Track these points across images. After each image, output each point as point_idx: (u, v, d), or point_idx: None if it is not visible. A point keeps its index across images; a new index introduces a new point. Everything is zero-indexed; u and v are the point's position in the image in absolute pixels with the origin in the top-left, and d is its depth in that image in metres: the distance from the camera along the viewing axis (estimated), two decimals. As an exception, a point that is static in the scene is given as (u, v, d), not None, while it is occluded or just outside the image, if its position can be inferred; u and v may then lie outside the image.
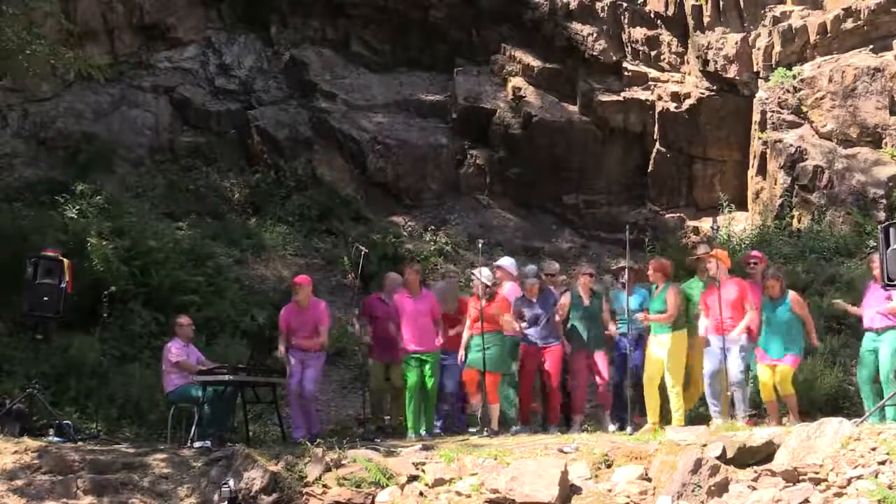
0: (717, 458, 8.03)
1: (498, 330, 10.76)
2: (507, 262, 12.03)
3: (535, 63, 18.28)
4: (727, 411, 10.19)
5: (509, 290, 11.40)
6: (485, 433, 10.38)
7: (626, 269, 10.90)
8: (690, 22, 17.25)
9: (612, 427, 10.70)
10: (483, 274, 11.00)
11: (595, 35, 17.92)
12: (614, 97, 17.73)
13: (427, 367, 10.95)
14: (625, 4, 17.85)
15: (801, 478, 7.67)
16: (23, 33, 12.90)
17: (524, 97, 18.08)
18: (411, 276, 11.34)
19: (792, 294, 10.32)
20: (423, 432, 10.78)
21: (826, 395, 11.07)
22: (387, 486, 8.54)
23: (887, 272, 9.36)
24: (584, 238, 17.47)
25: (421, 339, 11.00)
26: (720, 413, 10.08)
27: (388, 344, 11.31)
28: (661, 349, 10.43)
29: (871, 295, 10.12)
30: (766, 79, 16.41)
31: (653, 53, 17.72)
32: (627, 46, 17.91)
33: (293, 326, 11.07)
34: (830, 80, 15.79)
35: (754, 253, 11.34)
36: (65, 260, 11.01)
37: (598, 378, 11.05)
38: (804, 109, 16.04)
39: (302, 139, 18.07)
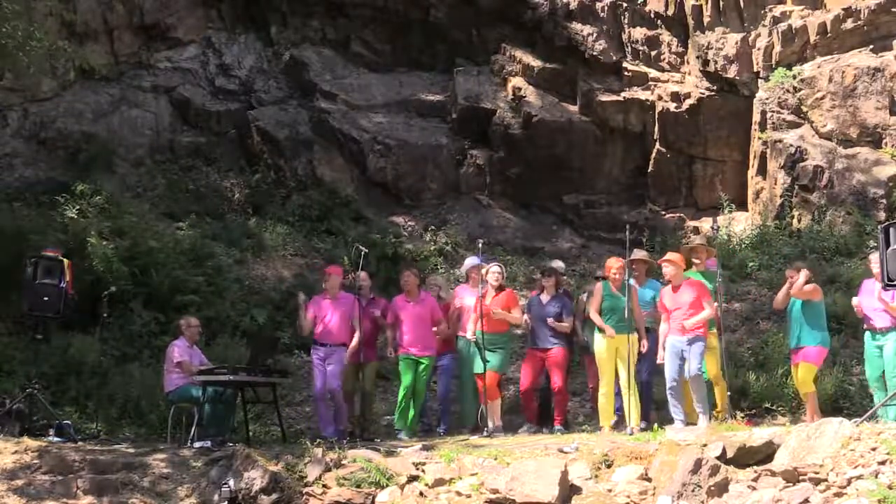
0: (717, 458, 8.05)
1: (504, 331, 10.77)
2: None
3: (536, 63, 18.26)
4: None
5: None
6: (485, 433, 10.39)
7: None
8: (690, 22, 17.23)
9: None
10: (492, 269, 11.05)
11: (595, 35, 17.90)
12: (614, 97, 17.70)
13: (422, 368, 10.98)
14: (625, 4, 17.83)
15: (801, 478, 7.69)
16: (20, 29, 12.87)
17: (524, 97, 18.05)
18: (409, 279, 11.32)
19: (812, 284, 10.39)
20: (405, 435, 10.78)
21: (826, 394, 11.05)
22: (387, 486, 8.57)
23: (887, 272, 9.38)
24: (584, 238, 17.45)
25: (420, 342, 11.00)
26: (684, 421, 10.01)
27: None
28: (623, 349, 10.38)
29: (869, 293, 10.15)
30: (766, 79, 16.39)
31: (653, 53, 17.71)
32: (627, 46, 17.89)
33: (321, 315, 11.05)
34: (830, 80, 15.77)
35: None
36: (65, 260, 11.02)
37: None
38: (804, 109, 16.02)
39: (302, 139, 18.04)
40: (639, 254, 11.28)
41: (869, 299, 10.16)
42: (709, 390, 10.44)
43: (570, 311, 11.09)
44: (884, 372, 9.92)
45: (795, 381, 10.45)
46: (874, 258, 10.31)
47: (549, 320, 10.90)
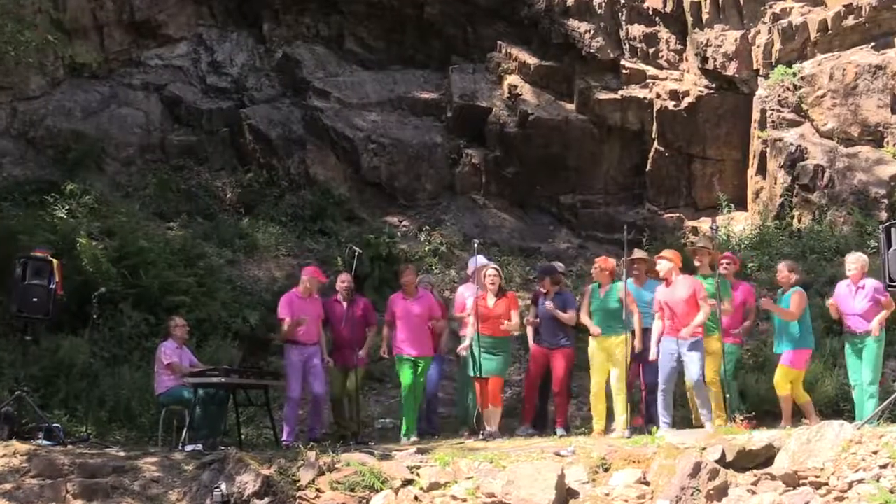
0: (717, 461, 8.04)
1: (504, 335, 10.62)
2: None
3: (532, 61, 18.17)
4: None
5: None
6: (481, 436, 10.26)
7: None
8: (689, 19, 17.14)
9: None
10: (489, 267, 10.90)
11: (592, 32, 17.79)
12: (612, 95, 17.61)
13: (420, 369, 10.81)
14: (622, 1, 17.72)
15: (801, 482, 7.72)
16: (8, 24, 12.77)
17: (520, 95, 17.97)
18: (408, 277, 11.17)
19: (795, 290, 10.21)
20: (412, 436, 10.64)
21: (826, 397, 10.95)
22: (381, 490, 8.52)
23: (888, 272, 9.29)
24: (582, 238, 17.38)
25: (416, 342, 10.83)
26: (669, 425, 9.82)
27: (344, 349, 11.02)
28: (614, 350, 10.26)
29: (847, 296, 9.97)
30: (766, 76, 16.31)
31: (651, 51, 17.61)
32: (625, 44, 17.79)
33: (297, 316, 10.83)
34: (831, 78, 15.69)
35: (727, 254, 11.33)
36: (54, 260, 10.90)
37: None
38: (805, 108, 15.94)
39: (295, 138, 17.96)
40: (639, 253, 11.15)
41: (844, 303, 9.99)
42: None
43: (572, 305, 10.93)
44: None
45: (776, 381, 10.19)
46: (850, 258, 10.14)
47: (548, 304, 10.71)
